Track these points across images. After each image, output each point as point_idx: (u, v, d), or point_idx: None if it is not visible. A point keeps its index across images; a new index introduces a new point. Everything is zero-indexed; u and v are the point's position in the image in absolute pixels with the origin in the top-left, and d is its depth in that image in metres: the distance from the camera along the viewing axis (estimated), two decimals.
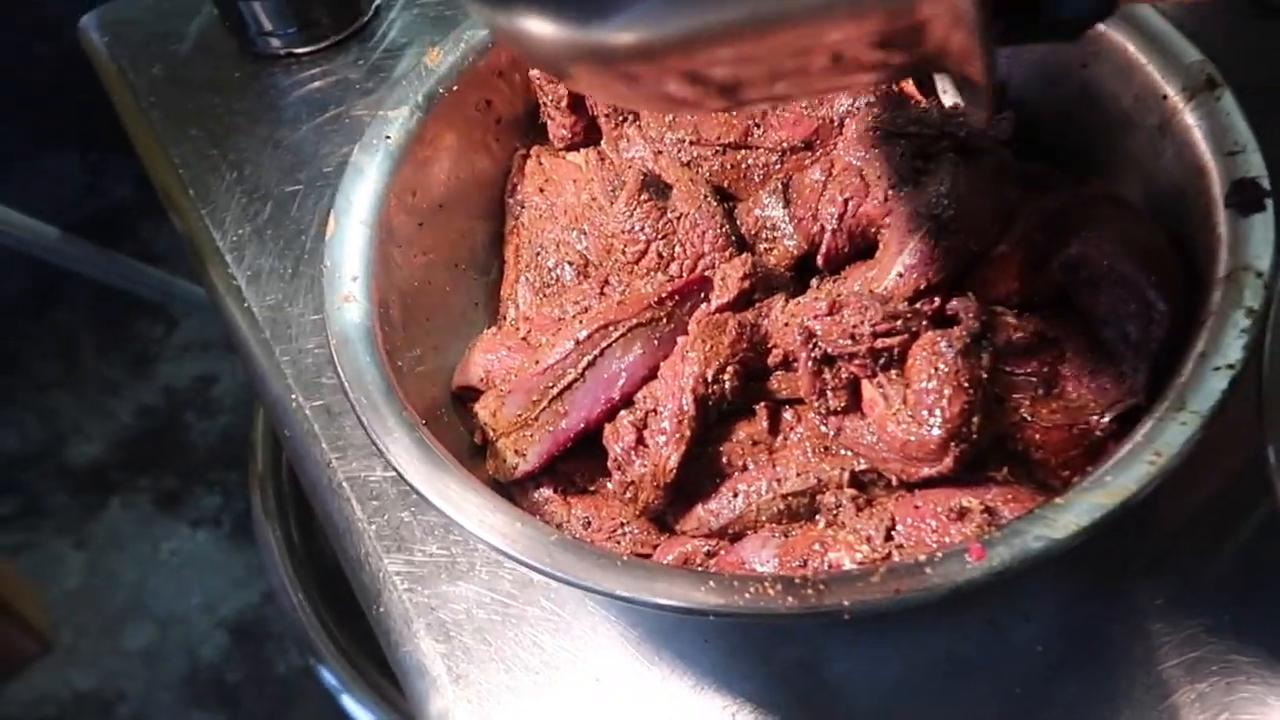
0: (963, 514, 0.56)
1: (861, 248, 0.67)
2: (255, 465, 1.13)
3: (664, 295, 0.66)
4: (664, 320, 0.65)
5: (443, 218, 0.74)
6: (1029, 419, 0.60)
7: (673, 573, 0.53)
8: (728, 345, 0.63)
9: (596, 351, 0.64)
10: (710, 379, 0.62)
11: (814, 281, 0.68)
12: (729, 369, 0.63)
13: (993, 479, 0.59)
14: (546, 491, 0.66)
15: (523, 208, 0.77)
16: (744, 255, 0.67)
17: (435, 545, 0.71)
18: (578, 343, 0.64)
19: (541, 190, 0.76)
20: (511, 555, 0.54)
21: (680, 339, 0.65)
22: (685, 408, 0.62)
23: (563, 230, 0.73)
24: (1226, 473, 0.66)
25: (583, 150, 0.77)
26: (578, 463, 0.66)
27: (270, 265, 0.86)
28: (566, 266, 0.73)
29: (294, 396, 0.79)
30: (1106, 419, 0.60)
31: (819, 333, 0.60)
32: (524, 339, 0.70)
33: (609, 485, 0.66)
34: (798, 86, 0.44)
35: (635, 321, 0.65)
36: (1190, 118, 0.63)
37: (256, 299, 0.85)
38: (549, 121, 0.78)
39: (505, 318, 0.74)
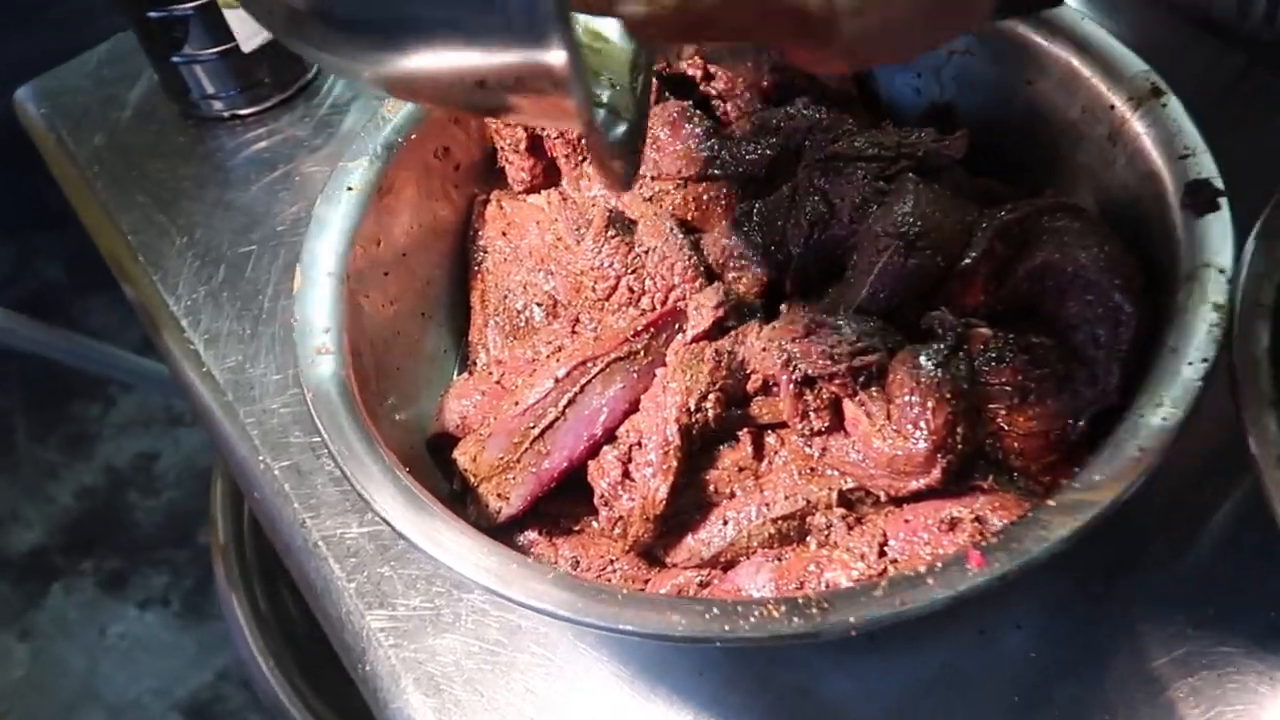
0: (954, 524, 0.57)
1: (829, 270, 0.68)
2: (216, 535, 1.10)
3: (640, 329, 0.66)
4: (641, 353, 0.66)
5: (406, 266, 0.74)
6: (1006, 428, 0.61)
7: (674, 603, 0.52)
8: (707, 374, 0.64)
9: (576, 388, 0.64)
10: (693, 408, 0.62)
11: (783, 306, 0.68)
12: (710, 397, 0.63)
13: (979, 488, 0.60)
14: (532, 534, 0.65)
15: (485, 253, 0.76)
16: (715, 284, 0.67)
17: (419, 598, 0.69)
18: (557, 381, 0.64)
19: (504, 234, 0.75)
20: (509, 597, 0.53)
21: (659, 371, 0.65)
22: (670, 438, 0.62)
23: (529, 272, 0.73)
24: (1194, 468, 0.67)
25: (544, 192, 0.77)
26: (562, 503, 0.66)
27: (228, 328, 0.85)
28: (535, 308, 0.72)
29: (262, 458, 0.77)
30: (1082, 422, 0.60)
31: (798, 355, 0.61)
32: (498, 382, 0.69)
33: (595, 524, 0.65)
34: None
35: (613, 356, 0.65)
36: (1139, 125, 0.65)
37: (216, 362, 0.83)
38: (507, 166, 0.78)
39: (476, 363, 0.74)
